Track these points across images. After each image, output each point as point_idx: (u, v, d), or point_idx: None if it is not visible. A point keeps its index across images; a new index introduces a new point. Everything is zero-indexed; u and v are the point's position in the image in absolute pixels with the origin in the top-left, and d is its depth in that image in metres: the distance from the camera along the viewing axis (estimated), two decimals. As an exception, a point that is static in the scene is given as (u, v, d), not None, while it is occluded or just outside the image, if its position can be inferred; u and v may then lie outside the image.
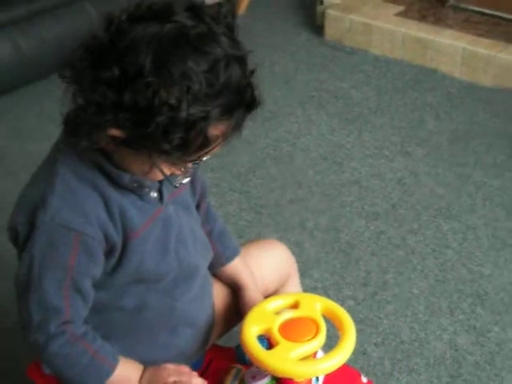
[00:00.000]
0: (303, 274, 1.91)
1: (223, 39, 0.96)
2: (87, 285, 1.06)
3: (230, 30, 0.98)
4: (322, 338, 1.14)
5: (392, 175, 2.36)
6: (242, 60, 0.98)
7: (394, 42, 2.98)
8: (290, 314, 1.17)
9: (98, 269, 1.06)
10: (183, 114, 0.92)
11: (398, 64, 2.98)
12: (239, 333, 1.14)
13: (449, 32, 2.94)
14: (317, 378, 1.19)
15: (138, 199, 1.08)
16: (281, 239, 2.00)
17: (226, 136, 0.99)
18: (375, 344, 1.75)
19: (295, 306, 1.19)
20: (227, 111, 0.96)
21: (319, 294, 1.80)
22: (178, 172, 1.05)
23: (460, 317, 1.84)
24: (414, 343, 1.76)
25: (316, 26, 3.17)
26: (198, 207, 1.26)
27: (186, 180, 1.09)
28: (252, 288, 1.29)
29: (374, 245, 2.07)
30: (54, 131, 1.12)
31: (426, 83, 2.87)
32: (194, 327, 1.21)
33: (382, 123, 2.64)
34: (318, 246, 2.05)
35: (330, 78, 2.91)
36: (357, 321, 1.76)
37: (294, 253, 1.95)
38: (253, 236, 2.05)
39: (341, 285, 1.92)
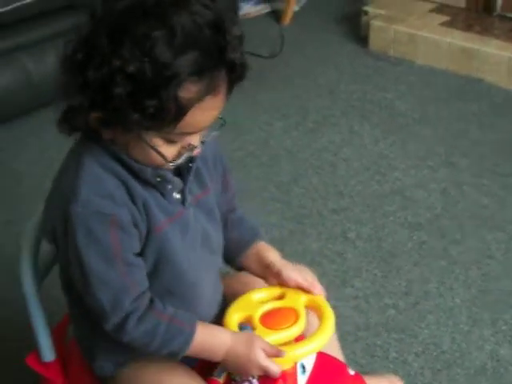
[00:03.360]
0: (344, 283, 1.94)
1: (193, 5, 0.99)
2: (136, 258, 1.10)
3: None
4: (299, 326, 1.17)
5: (435, 185, 2.35)
6: (214, 23, 0.99)
7: (439, 52, 2.97)
8: (273, 304, 1.20)
9: (136, 243, 1.10)
10: (143, 79, 0.95)
11: (442, 74, 2.96)
12: (222, 320, 1.18)
13: (495, 42, 2.92)
14: (303, 369, 1.22)
15: (161, 197, 1.11)
16: (322, 249, 2.06)
17: (200, 98, 0.99)
18: (416, 353, 1.75)
19: (280, 297, 1.22)
20: (195, 71, 0.97)
21: (360, 303, 1.86)
22: (176, 151, 1.06)
23: (503, 328, 1.82)
24: (455, 353, 1.75)
25: (360, 36, 3.18)
26: (227, 210, 1.28)
27: (197, 151, 1.08)
28: (283, 263, 1.25)
29: (417, 255, 2.07)
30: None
31: (470, 93, 2.85)
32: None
33: (426, 134, 2.63)
34: (360, 256, 2.06)
35: (374, 88, 2.91)
36: (397, 330, 1.79)
37: (335, 262, 2.01)
38: (294, 246, 2.07)
39: (382, 294, 1.92)
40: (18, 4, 2.53)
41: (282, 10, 3.35)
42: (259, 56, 3.05)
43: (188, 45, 0.97)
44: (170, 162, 1.06)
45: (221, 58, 1.00)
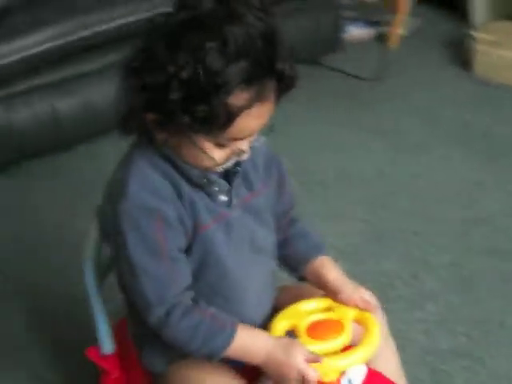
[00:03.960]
0: (416, 305, 1.92)
1: (247, 17, 1.03)
2: (180, 253, 1.15)
3: (257, 7, 1.05)
4: (344, 338, 1.17)
5: (527, 216, 2.28)
6: (266, 34, 1.04)
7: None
8: (320, 316, 1.22)
9: (182, 239, 1.14)
10: (195, 85, 1.00)
11: (548, 102, 2.87)
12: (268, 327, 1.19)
13: None
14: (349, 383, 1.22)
15: (208, 198, 1.16)
16: (399, 271, 2.04)
17: (248, 106, 1.03)
18: (482, 382, 1.70)
19: (329, 309, 1.23)
20: (245, 79, 1.01)
21: (430, 328, 1.83)
22: (225, 154, 1.10)
23: None
24: (523, 388, 1.70)
25: (465, 61, 3.13)
26: (282, 214, 1.31)
27: (245, 156, 1.12)
28: (343, 282, 1.25)
29: (498, 285, 2.01)
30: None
31: None
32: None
33: (527, 163, 2.55)
34: (438, 281, 2.03)
35: (477, 114, 2.85)
36: (466, 357, 1.74)
37: (410, 285, 1.98)
38: (371, 265, 2.07)
39: (455, 320, 1.88)
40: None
41: (389, 34, 3.34)
42: (361, 79, 3.09)
43: (239, 54, 1.02)
44: (219, 164, 1.11)
45: (270, 68, 1.05)
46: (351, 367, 1.21)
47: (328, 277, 1.27)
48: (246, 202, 1.22)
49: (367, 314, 1.23)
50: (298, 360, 1.14)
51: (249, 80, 1.02)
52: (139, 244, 1.12)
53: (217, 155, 1.10)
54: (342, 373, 1.21)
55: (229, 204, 1.19)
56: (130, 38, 1.14)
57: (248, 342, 1.17)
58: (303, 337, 1.18)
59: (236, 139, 1.08)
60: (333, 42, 3.22)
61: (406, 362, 1.63)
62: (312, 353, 1.15)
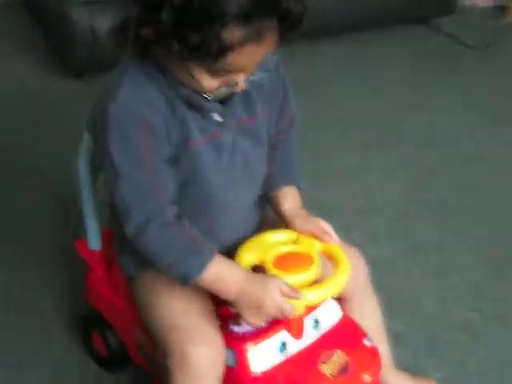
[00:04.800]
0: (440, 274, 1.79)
1: None
2: (164, 164, 1.10)
3: None
4: (313, 271, 1.12)
5: None
6: None
7: None
8: (287, 248, 1.16)
9: (165, 151, 1.10)
10: (190, 11, 0.93)
11: None
12: (235, 259, 1.14)
13: None
14: (316, 323, 1.18)
15: (201, 117, 1.11)
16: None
17: (242, 43, 0.95)
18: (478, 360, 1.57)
19: (295, 241, 1.18)
20: (243, 15, 0.93)
21: (445, 297, 1.70)
22: (217, 83, 1.04)
23: None
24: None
25: None
26: (278, 134, 1.26)
27: (239, 88, 1.06)
28: (296, 213, 1.22)
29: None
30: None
31: None
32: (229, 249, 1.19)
33: None
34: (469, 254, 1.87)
35: None
36: (469, 332, 1.61)
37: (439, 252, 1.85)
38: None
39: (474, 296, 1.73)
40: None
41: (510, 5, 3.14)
42: (469, 46, 2.94)
43: None
44: (210, 91, 1.06)
45: (273, 7, 0.96)
46: (319, 304, 1.17)
47: (283, 206, 1.23)
48: (244, 123, 1.17)
49: (333, 247, 1.17)
50: (275, 294, 1.08)
51: (247, 16, 0.94)
52: (123, 149, 1.08)
53: (208, 83, 1.04)
54: (308, 310, 1.17)
55: (222, 124, 1.14)
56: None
57: (223, 272, 1.11)
58: (272, 270, 1.13)
59: (228, 71, 1.02)
60: (447, 4, 3.06)
61: (407, 325, 1.61)
62: (290, 286, 1.10)
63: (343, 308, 1.27)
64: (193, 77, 1.02)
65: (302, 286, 1.11)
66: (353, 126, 2.41)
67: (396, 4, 2.97)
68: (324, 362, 1.16)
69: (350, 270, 1.16)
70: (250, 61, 1.01)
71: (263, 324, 1.12)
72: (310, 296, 1.10)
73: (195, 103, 1.09)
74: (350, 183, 2.12)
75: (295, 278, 1.11)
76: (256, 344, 1.14)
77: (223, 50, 0.95)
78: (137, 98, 1.06)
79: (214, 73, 1.01)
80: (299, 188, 1.28)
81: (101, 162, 1.16)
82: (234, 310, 1.14)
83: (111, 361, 1.46)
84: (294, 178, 1.27)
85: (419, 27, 3.11)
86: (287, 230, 1.22)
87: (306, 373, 1.14)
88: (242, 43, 0.96)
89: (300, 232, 1.20)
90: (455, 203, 2.05)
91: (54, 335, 1.58)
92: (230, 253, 1.17)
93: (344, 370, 1.15)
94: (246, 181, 1.20)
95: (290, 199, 1.25)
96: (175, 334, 1.13)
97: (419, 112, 2.52)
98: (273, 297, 1.07)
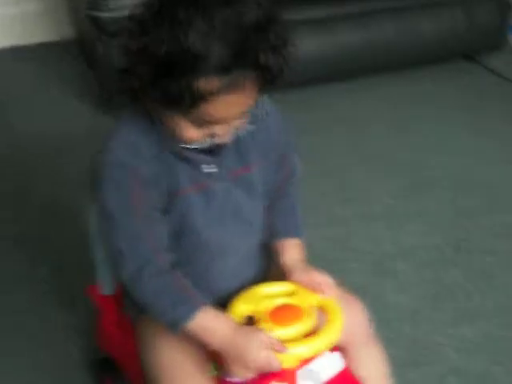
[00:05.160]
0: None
1: (245, 3, 0.97)
2: (156, 213, 1.13)
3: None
4: (306, 324, 1.12)
5: None
6: (258, 24, 0.97)
7: None
8: (282, 300, 1.16)
9: (157, 199, 1.13)
10: (169, 61, 0.96)
11: None
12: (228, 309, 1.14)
13: None
14: (311, 375, 1.17)
15: (190, 166, 1.13)
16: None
17: (216, 94, 0.98)
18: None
19: (292, 294, 1.17)
20: (221, 68, 0.96)
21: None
22: (201, 135, 1.07)
23: None
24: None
25: None
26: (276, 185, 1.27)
27: (222, 139, 1.09)
28: (294, 265, 1.22)
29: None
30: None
31: None
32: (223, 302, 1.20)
33: None
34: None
35: None
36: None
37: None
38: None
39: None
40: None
41: None
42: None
43: (222, 41, 0.96)
44: (194, 142, 1.09)
45: (252, 61, 0.99)
46: (312, 355, 1.15)
47: (283, 258, 1.24)
48: (237, 174, 1.18)
49: (329, 301, 1.16)
50: (257, 347, 1.08)
51: (225, 69, 0.97)
52: (114, 197, 1.12)
53: (191, 133, 1.06)
54: (304, 362, 1.16)
55: (212, 174, 1.16)
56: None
57: (210, 322, 1.12)
58: (264, 321, 1.13)
59: (208, 122, 1.05)
60: (494, 39, 3.01)
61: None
62: (274, 340, 1.10)
63: (345, 359, 1.26)
64: (178, 127, 1.05)
65: (294, 339, 1.11)
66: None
67: (442, 40, 2.96)
68: (317, 415, 1.15)
69: (346, 322, 1.15)
70: (228, 112, 1.03)
71: (249, 376, 1.12)
72: (297, 350, 1.10)
73: (183, 155, 1.11)
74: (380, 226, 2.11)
75: (286, 331, 1.11)
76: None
77: (197, 99, 0.98)
78: (127, 148, 1.11)
79: (195, 123, 1.04)
80: (300, 239, 1.28)
81: (98, 211, 1.19)
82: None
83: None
84: (295, 230, 1.28)
85: (466, 63, 3.08)
86: (286, 282, 1.22)
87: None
88: (217, 94, 0.98)
89: (298, 284, 1.20)
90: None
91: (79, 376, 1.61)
92: (226, 302, 1.17)
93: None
94: (239, 230, 1.22)
95: (290, 251, 1.26)
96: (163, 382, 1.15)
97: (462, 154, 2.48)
98: (255, 349, 1.08)
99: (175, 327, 1.12)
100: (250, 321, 1.15)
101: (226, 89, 0.98)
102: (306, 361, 1.16)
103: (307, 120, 2.60)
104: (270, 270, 1.29)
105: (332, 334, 1.12)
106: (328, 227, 2.07)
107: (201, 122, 1.04)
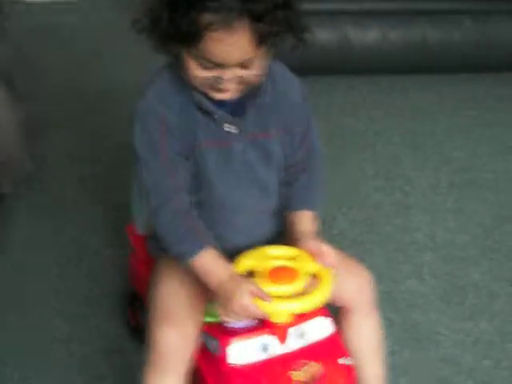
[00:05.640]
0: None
1: None
2: (179, 158, 1.28)
3: None
4: (296, 285, 1.23)
5: None
6: None
7: None
8: (282, 263, 1.27)
9: (182, 147, 1.27)
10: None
11: None
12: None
13: None
14: (301, 334, 1.29)
15: (213, 123, 1.27)
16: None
17: (214, 29, 1.12)
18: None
19: (293, 259, 1.29)
20: (211, 5, 1.11)
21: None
22: (208, 76, 1.19)
23: None
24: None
25: None
26: (298, 162, 1.38)
27: (226, 85, 1.20)
28: (306, 233, 1.32)
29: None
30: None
31: None
32: (230, 255, 1.31)
33: None
34: None
35: None
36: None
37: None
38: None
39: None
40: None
41: None
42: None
43: None
44: (202, 85, 1.21)
45: (243, 5, 1.12)
46: (298, 313, 1.26)
47: (296, 227, 1.34)
48: (256, 138, 1.31)
49: (325, 269, 1.27)
50: (243, 294, 1.22)
51: (216, 8, 1.12)
52: (143, 140, 1.27)
53: (199, 73, 1.19)
54: (295, 320, 1.29)
55: (232, 134, 1.29)
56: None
57: (210, 265, 1.26)
58: (260, 277, 1.26)
59: (210, 61, 1.17)
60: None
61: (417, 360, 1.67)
62: (261, 290, 1.23)
63: (341, 320, 1.40)
64: (188, 68, 1.19)
65: (283, 297, 1.23)
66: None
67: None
68: (295, 370, 1.28)
69: (348, 288, 1.31)
70: (225, 52, 1.16)
71: (237, 319, 1.27)
72: (284, 305, 1.22)
73: (206, 109, 1.25)
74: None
75: (277, 288, 1.24)
76: (239, 339, 1.28)
77: (198, 32, 1.13)
78: (158, 98, 1.27)
79: (201, 64, 1.18)
80: (315, 212, 1.38)
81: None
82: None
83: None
84: (311, 203, 1.39)
85: None
86: (292, 248, 1.33)
87: (274, 374, 1.27)
88: (211, 29, 1.13)
89: (303, 251, 1.30)
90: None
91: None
92: (233, 256, 1.30)
93: (312, 380, 1.27)
94: (254, 192, 1.34)
95: (303, 221, 1.36)
96: (153, 313, 1.30)
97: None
98: (242, 295, 1.21)
99: (181, 261, 1.28)
100: (250, 275, 1.28)
101: (218, 24, 1.12)
102: (299, 320, 1.30)
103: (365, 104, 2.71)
104: (282, 236, 1.40)
105: (317, 296, 1.23)
106: (360, 210, 2.17)
107: (205, 63, 1.18)
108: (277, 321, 1.27)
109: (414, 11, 2.99)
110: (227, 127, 1.29)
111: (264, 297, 1.22)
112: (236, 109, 1.28)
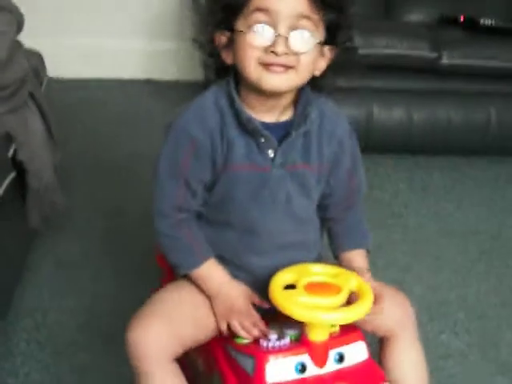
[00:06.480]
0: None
1: None
2: (196, 185, 1.27)
3: None
4: (335, 299, 1.20)
5: None
6: None
7: None
8: (323, 278, 1.25)
9: (204, 174, 1.27)
10: None
11: None
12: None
13: None
14: (339, 357, 1.25)
15: (256, 147, 1.25)
16: None
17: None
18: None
19: (335, 276, 1.26)
20: None
21: None
22: (261, 41, 1.18)
23: None
24: None
25: None
26: (347, 198, 1.38)
27: (280, 49, 1.17)
28: (361, 273, 1.30)
29: None
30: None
31: None
32: (255, 278, 1.31)
33: None
34: None
35: None
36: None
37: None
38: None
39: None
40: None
41: None
42: None
43: None
44: (253, 68, 1.19)
45: None
46: (334, 323, 1.25)
47: (354, 265, 1.36)
48: (296, 168, 1.28)
49: (366, 286, 1.25)
50: (244, 299, 1.25)
51: None
52: (168, 157, 1.27)
53: (252, 43, 1.18)
54: (334, 342, 1.25)
55: (274, 161, 1.26)
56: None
57: (210, 273, 1.29)
58: (299, 289, 1.23)
59: (267, 11, 1.17)
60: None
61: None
62: (261, 300, 1.27)
63: (384, 349, 1.37)
64: (242, 53, 1.20)
65: (323, 308, 1.21)
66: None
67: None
68: (332, 392, 1.24)
69: (390, 311, 1.28)
70: (275, 0, 1.17)
71: (242, 333, 1.26)
72: (324, 316, 1.19)
73: (253, 127, 1.24)
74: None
75: (315, 300, 1.21)
76: (275, 357, 1.24)
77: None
78: (196, 118, 1.26)
79: (254, 25, 1.18)
80: (367, 250, 1.41)
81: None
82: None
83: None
84: (361, 242, 1.40)
85: None
86: (333, 265, 1.32)
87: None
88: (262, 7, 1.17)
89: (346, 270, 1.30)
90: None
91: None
92: (254, 275, 1.32)
93: (351, 404, 1.23)
94: (289, 221, 1.32)
95: (359, 260, 1.38)
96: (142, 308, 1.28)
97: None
98: (241, 302, 1.25)
99: (179, 271, 1.31)
100: (289, 288, 1.25)
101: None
102: (338, 343, 1.26)
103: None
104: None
105: (359, 308, 1.20)
106: (389, 271, 2.17)
107: (258, 18, 1.17)
108: (315, 338, 1.23)
109: (439, 91, 3.06)
110: (270, 153, 1.27)
111: (262, 303, 1.25)
112: (282, 136, 1.27)
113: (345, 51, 1.25)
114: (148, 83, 3.79)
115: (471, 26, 3.09)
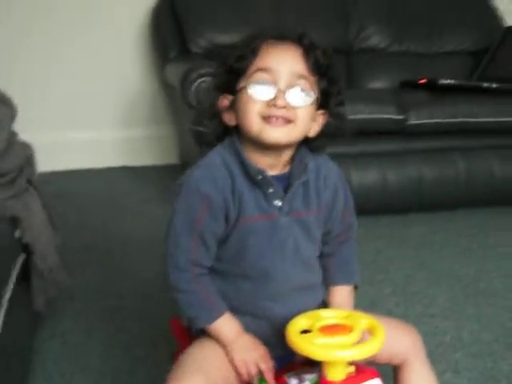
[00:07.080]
0: None
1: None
2: (210, 239, 1.36)
3: None
4: (349, 337, 1.28)
5: None
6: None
7: None
8: (335, 320, 1.34)
9: (218, 227, 1.35)
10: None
11: None
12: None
13: None
14: None
15: (263, 197, 1.36)
16: None
17: (267, 43, 1.32)
18: None
19: (346, 318, 1.35)
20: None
21: None
22: (264, 107, 1.30)
23: None
24: None
25: None
26: (338, 235, 1.49)
27: (280, 102, 1.30)
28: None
29: None
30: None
31: None
32: (273, 324, 1.40)
33: None
34: None
35: None
36: None
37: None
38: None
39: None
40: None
41: None
42: None
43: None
44: (255, 122, 1.31)
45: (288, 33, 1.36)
46: (350, 360, 1.30)
47: (333, 300, 1.48)
48: (299, 216, 1.40)
49: (377, 323, 1.33)
50: (260, 345, 1.35)
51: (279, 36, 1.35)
52: (183, 212, 1.36)
53: (255, 98, 1.30)
54: (350, 382, 1.32)
55: (280, 210, 1.38)
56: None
57: (224, 327, 1.37)
58: (314, 332, 1.31)
59: (267, 69, 1.30)
60: None
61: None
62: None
63: (398, 376, 1.46)
64: (246, 109, 1.31)
65: (339, 346, 1.29)
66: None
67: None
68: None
69: (398, 342, 1.39)
70: (276, 57, 1.32)
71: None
72: (338, 353, 1.26)
73: (259, 182, 1.34)
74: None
75: (331, 340, 1.29)
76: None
77: (253, 52, 1.33)
78: (206, 178, 1.35)
79: (255, 82, 1.31)
80: (355, 285, 1.50)
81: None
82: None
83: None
84: (350, 278, 1.50)
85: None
86: (343, 310, 1.41)
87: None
88: (266, 44, 1.33)
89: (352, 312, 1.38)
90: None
91: None
92: (270, 319, 1.40)
93: None
94: (299, 265, 1.42)
95: (340, 297, 1.48)
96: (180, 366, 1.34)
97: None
98: (260, 347, 1.35)
99: (193, 326, 1.40)
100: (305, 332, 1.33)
101: (272, 40, 1.33)
102: (353, 382, 1.33)
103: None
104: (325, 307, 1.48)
105: (371, 345, 1.28)
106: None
107: (260, 77, 1.30)
108: (333, 378, 1.30)
109: (409, 150, 3.21)
110: (278, 202, 1.37)
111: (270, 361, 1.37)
112: (285, 186, 1.38)
113: (335, 118, 1.39)
114: (124, 169, 3.89)
115: (431, 86, 3.28)
